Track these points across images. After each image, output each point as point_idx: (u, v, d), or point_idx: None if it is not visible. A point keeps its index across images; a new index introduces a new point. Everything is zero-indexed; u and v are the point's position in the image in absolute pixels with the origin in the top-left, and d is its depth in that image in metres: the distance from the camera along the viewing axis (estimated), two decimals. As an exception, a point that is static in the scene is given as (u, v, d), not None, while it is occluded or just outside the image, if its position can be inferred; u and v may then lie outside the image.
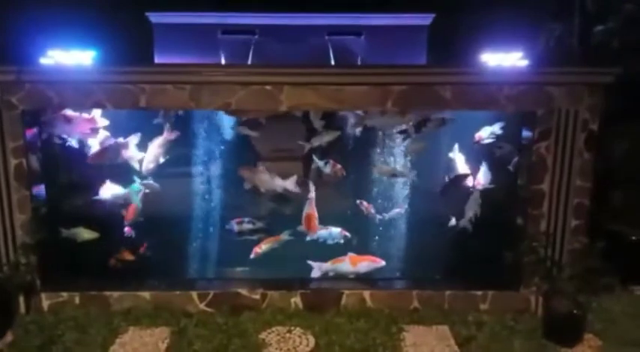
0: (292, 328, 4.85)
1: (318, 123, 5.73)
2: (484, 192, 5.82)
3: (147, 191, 5.87)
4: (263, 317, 5.00)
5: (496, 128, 5.66)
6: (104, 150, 5.60)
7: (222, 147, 6.19)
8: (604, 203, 6.59)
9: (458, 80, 4.94)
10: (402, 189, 6.20)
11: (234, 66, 5.27)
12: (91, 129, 5.60)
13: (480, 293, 5.28)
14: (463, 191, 5.88)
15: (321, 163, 5.93)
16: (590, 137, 4.96)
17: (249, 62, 5.75)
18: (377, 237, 6.22)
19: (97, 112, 5.60)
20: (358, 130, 5.86)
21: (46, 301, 5.17)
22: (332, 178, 5.96)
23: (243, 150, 6.12)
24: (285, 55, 5.92)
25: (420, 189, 6.09)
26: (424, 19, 6.20)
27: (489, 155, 5.82)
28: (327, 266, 5.75)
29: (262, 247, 5.91)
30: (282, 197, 6.07)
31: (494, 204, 5.73)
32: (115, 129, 5.72)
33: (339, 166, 5.92)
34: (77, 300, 5.18)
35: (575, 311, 4.63)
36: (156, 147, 5.76)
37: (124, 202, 5.82)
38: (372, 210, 6.14)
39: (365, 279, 5.63)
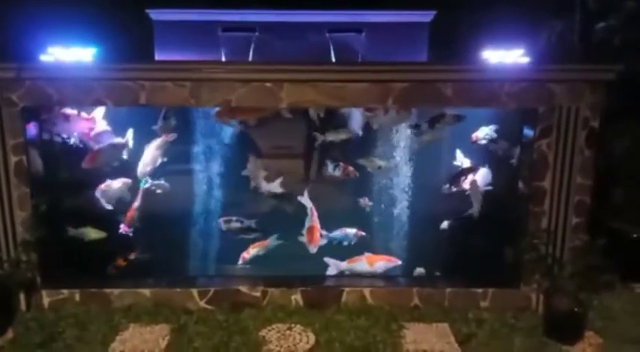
0: (293, 325, 4.85)
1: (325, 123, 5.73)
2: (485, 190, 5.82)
3: (159, 191, 5.85)
4: (263, 315, 5.01)
5: (491, 130, 5.72)
6: (97, 153, 5.52)
7: (220, 145, 6.17)
8: (605, 200, 6.59)
9: (459, 77, 4.93)
10: (404, 187, 6.18)
11: (234, 63, 5.26)
12: (89, 129, 5.58)
13: (480, 290, 5.28)
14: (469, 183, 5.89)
15: (330, 168, 5.93)
16: (591, 134, 4.95)
17: (250, 59, 5.73)
18: (378, 234, 6.20)
19: (97, 114, 5.60)
20: (362, 128, 5.85)
21: (46, 298, 5.17)
22: (341, 179, 5.98)
23: (243, 147, 6.10)
24: (286, 52, 5.91)
25: (423, 186, 6.08)
26: (425, 16, 6.19)
27: (487, 154, 5.83)
28: (344, 265, 5.74)
29: (250, 252, 5.91)
30: (277, 196, 6.06)
31: (494, 202, 5.72)
32: (115, 129, 5.72)
33: (350, 168, 5.92)
34: (78, 297, 5.19)
35: (575, 309, 4.63)
36: (153, 150, 5.71)
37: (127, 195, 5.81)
38: (370, 203, 6.14)
39: (365, 277, 5.63)
